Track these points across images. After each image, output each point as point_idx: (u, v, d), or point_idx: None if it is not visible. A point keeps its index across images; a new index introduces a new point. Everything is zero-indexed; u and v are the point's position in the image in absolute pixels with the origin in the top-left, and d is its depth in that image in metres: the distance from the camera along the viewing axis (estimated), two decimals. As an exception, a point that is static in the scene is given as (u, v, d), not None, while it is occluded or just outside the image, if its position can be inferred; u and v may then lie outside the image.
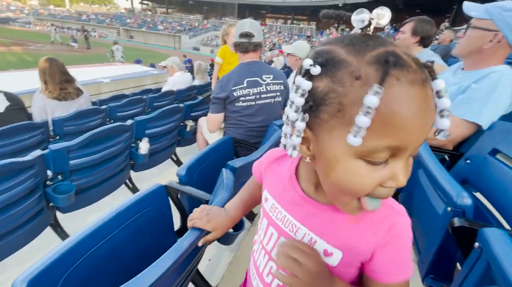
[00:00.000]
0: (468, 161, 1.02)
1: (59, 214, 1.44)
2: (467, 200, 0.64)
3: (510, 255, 0.47)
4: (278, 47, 19.73)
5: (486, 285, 0.55)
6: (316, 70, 0.30)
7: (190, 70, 5.67)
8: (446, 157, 1.16)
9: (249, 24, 1.50)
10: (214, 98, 1.48)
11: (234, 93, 1.43)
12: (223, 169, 0.80)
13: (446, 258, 0.72)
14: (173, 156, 2.35)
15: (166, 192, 0.85)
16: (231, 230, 0.91)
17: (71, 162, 1.35)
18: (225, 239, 0.87)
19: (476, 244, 0.58)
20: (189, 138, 2.25)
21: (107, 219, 0.64)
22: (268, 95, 1.49)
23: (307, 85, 0.31)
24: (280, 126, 1.32)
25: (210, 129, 1.57)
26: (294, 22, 32.11)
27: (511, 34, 1.01)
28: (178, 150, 2.41)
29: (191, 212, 0.94)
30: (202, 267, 1.24)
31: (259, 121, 1.49)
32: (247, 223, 1.49)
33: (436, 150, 1.12)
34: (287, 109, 0.33)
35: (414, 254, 1.23)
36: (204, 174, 1.05)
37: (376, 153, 0.29)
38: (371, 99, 0.26)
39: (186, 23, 34.10)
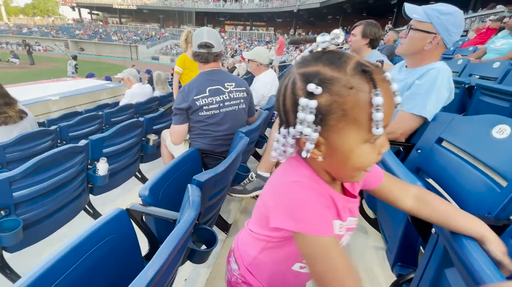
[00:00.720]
0: (419, 151, 1.11)
1: (6, 254, 1.27)
2: (421, 189, 0.68)
3: (461, 239, 0.51)
4: (239, 53, 19.92)
5: (446, 267, 0.59)
6: (319, 90, 0.38)
7: (150, 81, 5.44)
8: (401, 148, 1.25)
9: (207, 34, 1.48)
10: (176, 109, 1.43)
11: (196, 102, 1.40)
12: (189, 185, 0.76)
13: (410, 245, 0.77)
14: (137, 173, 2.21)
15: (128, 216, 0.78)
16: (203, 247, 0.87)
17: (15, 194, 1.19)
18: (199, 257, 0.83)
19: (433, 230, 0.63)
20: (153, 153, 2.14)
21: (63, 253, 0.57)
22: (232, 102, 1.48)
23: (314, 103, 0.38)
24: (246, 133, 1.31)
25: (174, 142, 1.50)
26: (253, 28, 32.73)
27: (447, 37, 1.13)
28: (143, 166, 2.28)
29: (159, 234, 0.89)
30: (178, 288, 1.17)
31: (225, 129, 1.47)
32: (222, 235, 1.45)
33: (391, 143, 1.20)
34: (298, 127, 0.40)
35: (383, 242, 1.30)
36: (170, 191, 0.99)
37: (374, 135, 0.39)
38: (379, 100, 0.36)
39: (142, 33, 32.84)
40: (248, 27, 33.09)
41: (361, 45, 2.02)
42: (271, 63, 6.28)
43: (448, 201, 0.90)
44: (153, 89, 3.90)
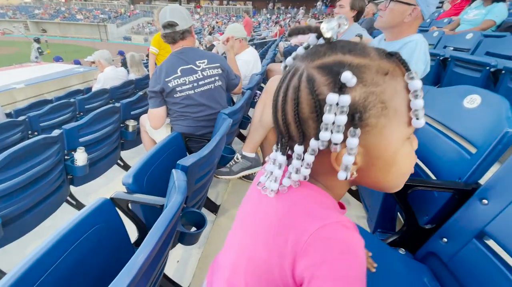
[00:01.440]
0: (397, 124, 1.15)
1: (-13, 252, 1.22)
2: (399, 160, 0.72)
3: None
4: (217, 30, 19.08)
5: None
6: (354, 80, 0.29)
7: (124, 63, 5.13)
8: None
9: (170, 12, 1.41)
10: (150, 92, 1.39)
11: (169, 84, 1.36)
12: (173, 171, 0.76)
13: (388, 213, 0.82)
14: (120, 161, 2.15)
15: (113, 205, 0.77)
16: (193, 229, 0.89)
17: (-12, 190, 1.13)
18: (189, 239, 0.84)
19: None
20: (134, 139, 2.08)
21: (48, 246, 0.56)
22: (206, 81, 1.44)
23: (346, 99, 0.28)
24: (229, 115, 1.29)
25: (153, 126, 1.47)
26: (230, 3, 31.21)
27: (426, 8, 1.14)
28: (124, 154, 2.21)
29: (147, 220, 0.89)
30: (171, 270, 1.20)
31: (203, 110, 1.44)
32: (211, 216, 1.48)
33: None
34: (324, 135, 0.29)
35: (364, 211, 1.38)
36: (155, 177, 0.98)
37: (413, 129, 0.32)
38: (416, 84, 0.30)
39: (110, 10, 30.37)
40: (224, 2, 31.50)
41: (349, 17, 2.01)
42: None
43: (424, 169, 0.96)
44: (128, 71, 3.70)
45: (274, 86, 1.38)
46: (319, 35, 0.32)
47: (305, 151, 0.32)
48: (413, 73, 0.30)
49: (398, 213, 0.95)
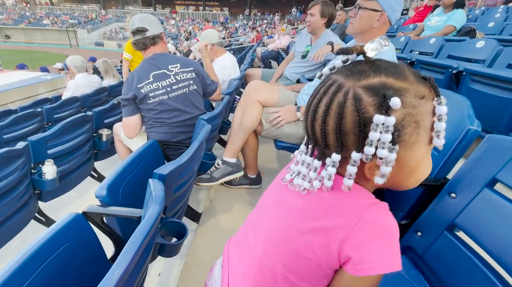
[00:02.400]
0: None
1: None
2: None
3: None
4: (194, 35, 18.93)
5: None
6: (398, 103, 0.33)
7: (95, 70, 4.92)
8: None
9: (139, 19, 1.40)
10: (123, 100, 1.35)
11: (141, 90, 1.32)
12: (150, 180, 0.73)
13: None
14: (93, 172, 2.04)
15: (85, 219, 0.73)
16: (174, 239, 0.86)
17: None
18: (169, 251, 0.81)
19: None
20: (108, 149, 1.99)
21: (14, 268, 0.51)
22: (180, 85, 1.41)
23: (392, 120, 0.33)
24: (208, 120, 1.28)
25: (128, 135, 1.41)
26: (206, 8, 31.17)
27: (392, 13, 1.21)
28: (99, 164, 2.11)
29: (124, 233, 0.85)
30: (152, 284, 1.15)
31: (179, 115, 1.41)
32: (193, 225, 1.44)
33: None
34: (368, 149, 0.34)
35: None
36: (131, 188, 0.94)
37: (432, 142, 0.37)
38: (443, 109, 0.35)
39: (79, 15, 29.12)
40: (200, 7, 31.39)
41: (320, 24, 2.08)
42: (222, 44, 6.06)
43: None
44: (102, 78, 3.55)
45: (253, 91, 1.45)
46: (362, 53, 0.37)
47: (341, 160, 0.36)
48: (442, 99, 0.35)
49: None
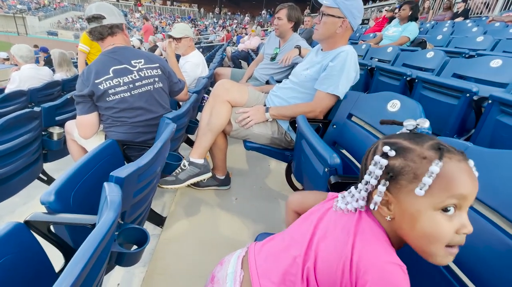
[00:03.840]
0: (335, 126, 1.25)
1: None
2: (336, 160, 0.78)
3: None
4: (161, 30, 18.16)
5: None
6: (392, 153, 0.45)
7: (48, 61, 4.46)
8: (320, 125, 1.39)
9: (97, 6, 1.29)
10: (78, 96, 1.22)
11: (99, 86, 1.21)
12: (105, 184, 0.67)
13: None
14: (42, 175, 1.84)
15: (28, 229, 0.64)
16: (134, 247, 0.80)
17: None
18: (129, 260, 0.75)
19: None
20: (60, 149, 1.80)
21: None
22: (144, 82, 1.32)
23: (384, 162, 0.45)
24: (173, 119, 1.22)
25: (83, 135, 1.29)
26: (175, 3, 30.10)
27: (353, 20, 1.28)
28: (49, 166, 1.90)
29: (76, 243, 0.77)
30: (109, 295, 1.07)
31: (142, 114, 1.32)
32: (157, 230, 1.37)
33: (312, 121, 1.31)
34: (366, 177, 0.48)
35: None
36: (85, 192, 0.86)
37: (444, 202, 0.42)
38: (434, 168, 0.41)
39: (30, 1, 26.20)
40: (168, 2, 30.22)
41: (287, 28, 2.12)
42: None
43: (358, 166, 1.05)
44: (54, 71, 3.21)
45: (222, 90, 1.43)
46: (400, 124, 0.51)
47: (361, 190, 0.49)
48: (438, 163, 0.42)
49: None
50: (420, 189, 0.42)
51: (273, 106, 1.42)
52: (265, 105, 1.48)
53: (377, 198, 0.46)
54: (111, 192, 0.63)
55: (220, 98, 1.35)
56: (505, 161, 0.56)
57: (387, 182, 0.45)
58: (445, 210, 0.42)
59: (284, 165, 1.57)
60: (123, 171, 0.74)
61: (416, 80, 1.81)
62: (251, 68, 2.56)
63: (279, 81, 1.69)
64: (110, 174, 0.73)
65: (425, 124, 0.48)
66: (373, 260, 0.44)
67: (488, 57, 1.83)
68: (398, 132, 0.50)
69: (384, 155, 0.46)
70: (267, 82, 2.26)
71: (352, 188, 0.53)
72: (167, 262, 1.18)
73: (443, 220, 0.42)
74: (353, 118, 1.20)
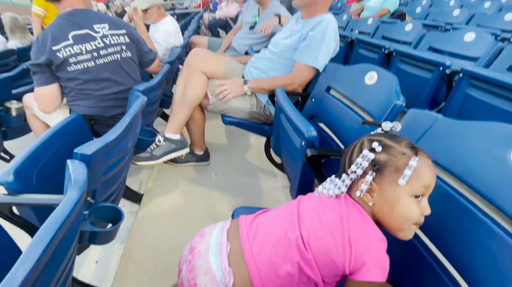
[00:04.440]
0: (313, 100, 1.24)
1: None
2: (313, 133, 0.77)
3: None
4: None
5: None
6: (379, 148, 0.53)
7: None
8: (299, 99, 1.37)
9: None
10: (33, 65, 1.08)
11: (57, 53, 1.08)
12: (68, 161, 0.62)
13: (307, 181, 0.89)
14: (4, 154, 1.70)
15: (-16, 213, 0.59)
16: (109, 225, 0.78)
17: None
18: (103, 238, 0.73)
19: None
20: (21, 125, 1.65)
21: None
22: (110, 50, 1.20)
23: (371, 155, 0.52)
24: (144, 92, 1.14)
25: (44, 109, 1.18)
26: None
27: None
28: (11, 144, 1.76)
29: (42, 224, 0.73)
30: (89, 273, 1.06)
31: (109, 86, 1.21)
32: (134, 207, 1.34)
33: (291, 94, 1.29)
34: (353, 167, 0.54)
35: (288, 182, 1.49)
36: (49, 171, 0.80)
37: (417, 191, 0.51)
38: (413, 163, 0.50)
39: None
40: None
41: None
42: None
43: (335, 140, 1.07)
44: (7, 39, 2.85)
45: (197, 60, 1.37)
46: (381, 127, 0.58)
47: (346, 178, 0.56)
48: (416, 158, 0.50)
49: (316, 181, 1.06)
50: (402, 180, 0.50)
51: (251, 79, 1.37)
52: (243, 78, 1.43)
53: (363, 186, 0.53)
54: (75, 170, 0.59)
55: (195, 68, 1.27)
56: (471, 132, 0.58)
57: (374, 173, 0.52)
58: (416, 197, 0.51)
59: (264, 139, 1.56)
60: (89, 147, 0.69)
61: (394, 53, 1.81)
62: (229, 38, 2.42)
63: (258, 52, 1.62)
64: (74, 151, 0.67)
65: (398, 127, 0.56)
66: (369, 240, 0.52)
67: (462, 30, 1.86)
68: (374, 132, 0.59)
69: (372, 150, 0.52)
70: (246, 53, 2.16)
71: (333, 177, 0.59)
72: (146, 238, 1.17)
73: (415, 205, 0.51)
74: (332, 92, 1.19)
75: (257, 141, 1.97)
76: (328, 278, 0.52)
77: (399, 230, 0.53)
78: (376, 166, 0.52)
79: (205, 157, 1.64)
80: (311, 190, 0.99)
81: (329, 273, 0.52)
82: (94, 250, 1.14)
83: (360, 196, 0.53)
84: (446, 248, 0.56)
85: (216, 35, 4.82)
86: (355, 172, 0.53)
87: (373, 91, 0.94)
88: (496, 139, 0.55)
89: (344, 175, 0.56)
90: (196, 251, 0.57)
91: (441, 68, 1.49)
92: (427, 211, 0.52)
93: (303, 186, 0.92)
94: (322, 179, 0.84)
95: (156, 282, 1.00)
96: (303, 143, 0.82)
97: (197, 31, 3.56)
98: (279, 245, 0.53)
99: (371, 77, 0.98)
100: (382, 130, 0.57)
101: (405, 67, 1.75)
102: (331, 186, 0.58)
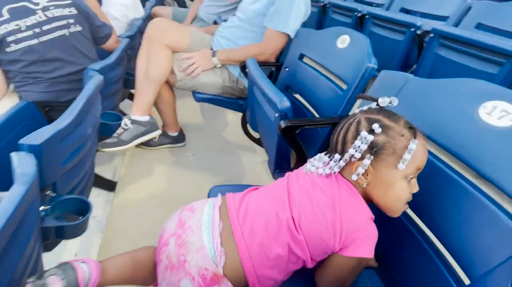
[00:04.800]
0: (287, 69, 1.19)
1: None
2: (286, 104, 0.74)
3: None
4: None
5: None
6: (379, 130, 0.49)
7: None
8: (273, 69, 1.31)
9: None
10: None
11: None
12: (12, 154, 0.55)
13: (283, 154, 0.88)
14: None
15: None
16: (81, 218, 0.73)
17: None
18: (72, 232, 0.69)
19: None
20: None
21: None
22: (54, 24, 1.05)
23: (371, 137, 0.49)
24: (101, 71, 1.03)
25: (-15, 98, 1.04)
26: None
27: None
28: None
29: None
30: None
31: (60, 67, 1.08)
32: (110, 195, 1.28)
33: (263, 64, 1.23)
34: (351, 150, 0.51)
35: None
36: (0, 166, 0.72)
37: (411, 173, 0.50)
38: (413, 146, 0.48)
39: None
40: None
41: None
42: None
43: (309, 109, 1.04)
44: None
45: (158, 31, 1.26)
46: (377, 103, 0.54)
47: (340, 159, 0.53)
48: (415, 141, 0.49)
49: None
50: (402, 164, 0.49)
51: (220, 50, 1.28)
52: (212, 49, 1.33)
53: (360, 170, 0.50)
54: (20, 163, 0.52)
55: (156, 41, 1.16)
56: (441, 90, 0.57)
57: (372, 157, 0.49)
58: (408, 180, 0.51)
59: (241, 115, 1.51)
60: (38, 137, 0.61)
61: (367, 16, 1.77)
62: (195, 7, 2.23)
63: (227, 21, 1.50)
64: (19, 142, 0.60)
65: (395, 102, 0.53)
66: (360, 218, 0.51)
67: (432, -11, 1.83)
68: (367, 107, 0.55)
69: (371, 132, 0.49)
70: (215, 23, 2.01)
71: (322, 154, 0.57)
72: (124, 226, 1.13)
73: (407, 186, 0.51)
74: (305, 59, 1.15)
75: (235, 118, 1.92)
76: (317, 256, 0.52)
77: (391, 209, 0.53)
78: (374, 149, 0.49)
79: (180, 138, 1.57)
80: (289, 163, 0.98)
81: (319, 252, 0.52)
82: (72, 242, 1.09)
83: (356, 180, 0.52)
84: (418, 205, 0.57)
85: (182, 5, 4.45)
86: (353, 155, 0.50)
87: (345, 55, 0.90)
88: (466, 95, 0.54)
89: (337, 155, 0.53)
90: (187, 227, 0.54)
91: (412, 29, 1.47)
92: (416, 189, 0.52)
93: (280, 159, 0.91)
94: (298, 151, 0.84)
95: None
96: (276, 115, 0.78)
97: (161, 1, 3.26)
98: (270, 226, 0.51)
99: (343, 40, 0.94)
100: (377, 105, 0.54)
101: (378, 30, 1.72)
102: (320, 164, 0.55)
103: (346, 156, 0.51)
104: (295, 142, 0.80)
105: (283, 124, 0.73)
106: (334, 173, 0.53)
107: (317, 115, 1.00)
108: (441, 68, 1.33)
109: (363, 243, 0.50)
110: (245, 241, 0.50)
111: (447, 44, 1.29)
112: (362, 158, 0.50)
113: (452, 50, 1.28)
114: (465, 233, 0.49)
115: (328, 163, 0.54)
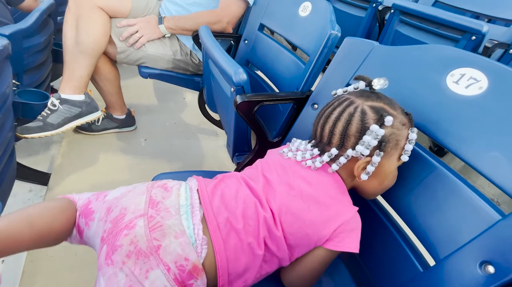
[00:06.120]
0: (246, 42, 1.07)
1: None
2: (242, 76, 0.64)
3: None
4: None
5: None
6: (390, 122, 0.43)
7: None
8: (232, 41, 1.18)
9: None
10: None
11: None
12: None
13: (242, 134, 0.79)
14: None
15: None
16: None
17: None
18: (31, 110, 0.73)
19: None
20: None
21: None
22: None
23: (382, 132, 0.43)
24: (12, 36, 0.81)
25: None
26: None
27: None
28: None
29: None
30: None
31: None
32: (43, 190, 1.09)
33: (220, 35, 1.10)
34: (359, 148, 0.44)
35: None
36: None
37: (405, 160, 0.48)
38: (414, 135, 0.46)
39: None
40: None
41: None
42: None
43: (269, 85, 0.96)
44: None
45: None
46: (369, 84, 0.48)
47: (338, 154, 0.46)
48: (414, 129, 0.46)
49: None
50: (406, 156, 0.46)
51: (168, 16, 1.10)
52: (159, 16, 1.15)
53: (370, 168, 0.45)
54: None
55: (86, 2, 0.95)
56: (407, 57, 0.52)
57: (381, 153, 0.44)
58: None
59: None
60: None
61: (330, -9, 1.70)
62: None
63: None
64: None
65: (386, 83, 0.47)
66: (347, 212, 0.47)
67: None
68: (353, 88, 0.49)
69: (381, 125, 0.43)
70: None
71: (308, 145, 0.50)
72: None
73: (397, 172, 0.49)
74: (265, 30, 1.04)
75: (194, 98, 1.77)
76: (298, 253, 0.47)
77: (373, 195, 0.52)
78: (382, 143, 0.44)
79: (129, 121, 1.39)
80: (249, 146, 0.90)
81: (301, 248, 0.47)
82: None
83: (366, 178, 0.46)
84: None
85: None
86: (361, 153, 0.44)
87: (308, 24, 0.82)
88: (432, 62, 0.49)
89: (333, 150, 0.46)
90: (163, 207, 0.44)
91: (374, 5, 1.44)
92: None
93: (239, 141, 0.82)
94: (258, 132, 0.75)
95: (78, 273, 0.84)
96: (232, 89, 0.68)
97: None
98: (247, 218, 0.45)
99: (305, 8, 0.85)
100: (369, 87, 0.47)
101: (342, 6, 1.67)
102: (306, 155, 0.48)
103: (351, 153, 0.45)
104: (254, 121, 0.71)
105: (239, 99, 0.64)
106: (332, 171, 0.48)
107: (276, 89, 0.92)
108: (400, 45, 1.33)
109: (348, 236, 0.46)
110: (220, 233, 0.44)
111: (406, 20, 1.28)
112: (370, 155, 0.45)
113: (411, 27, 1.27)
114: (430, 212, 0.46)
115: (319, 156, 0.48)
